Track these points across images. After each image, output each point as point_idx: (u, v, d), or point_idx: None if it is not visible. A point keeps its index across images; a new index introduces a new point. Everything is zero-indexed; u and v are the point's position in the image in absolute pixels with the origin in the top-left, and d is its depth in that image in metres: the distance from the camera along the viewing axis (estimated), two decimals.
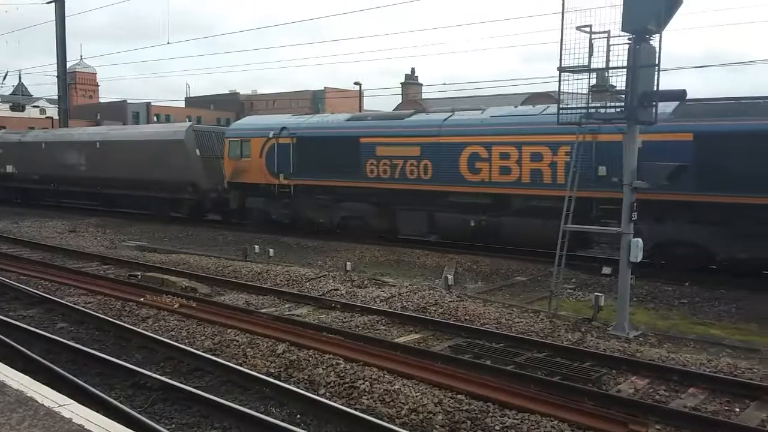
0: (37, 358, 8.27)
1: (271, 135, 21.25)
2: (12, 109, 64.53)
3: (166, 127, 28.51)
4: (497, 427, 6.60)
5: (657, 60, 10.41)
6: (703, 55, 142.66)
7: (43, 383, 5.81)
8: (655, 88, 10.39)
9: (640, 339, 10.20)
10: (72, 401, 5.19)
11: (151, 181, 25.65)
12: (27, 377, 5.80)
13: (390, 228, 19.30)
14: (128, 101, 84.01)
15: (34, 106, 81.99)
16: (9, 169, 33.86)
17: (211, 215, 26.23)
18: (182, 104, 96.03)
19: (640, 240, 10.58)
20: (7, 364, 6.37)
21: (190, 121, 38.42)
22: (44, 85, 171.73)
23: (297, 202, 20.90)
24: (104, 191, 28.86)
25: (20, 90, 77.01)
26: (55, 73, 41.51)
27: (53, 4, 40.08)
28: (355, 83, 49.03)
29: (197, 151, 24.34)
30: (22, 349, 8.61)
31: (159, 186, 25.63)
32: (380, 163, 18.52)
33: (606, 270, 14.75)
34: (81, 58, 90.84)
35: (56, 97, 45.04)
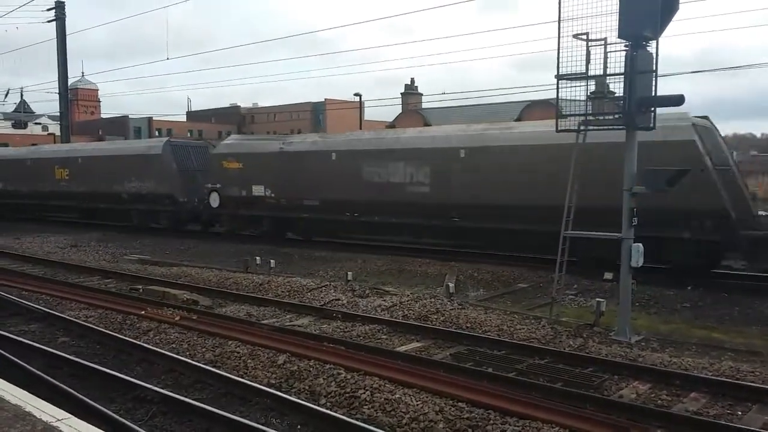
0: (38, 372, 8.26)
1: None
2: (14, 126, 64.80)
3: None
4: None
5: (654, 66, 10.45)
6: (695, 58, 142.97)
7: (43, 398, 5.80)
8: (653, 94, 10.44)
9: (642, 344, 10.16)
10: (70, 416, 5.19)
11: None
12: (25, 392, 5.80)
13: None
14: (130, 116, 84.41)
15: (37, 123, 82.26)
16: (258, 191, 23.26)
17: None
18: (183, 118, 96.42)
19: (640, 245, 10.57)
20: (7, 380, 6.37)
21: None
22: (46, 102, 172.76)
23: None
24: (480, 224, 17.92)
25: (22, 107, 77.34)
26: (57, 90, 41.76)
27: (54, 23, 40.38)
28: (355, 94, 49.09)
29: (709, 161, 14.57)
30: (23, 364, 8.61)
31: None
32: None
33: (607, 275, 14.73)
34: (82, 75, 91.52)
35: (58, 114, 45.26)
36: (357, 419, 6.96)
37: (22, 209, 35.05)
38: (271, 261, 17.02)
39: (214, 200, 24.69)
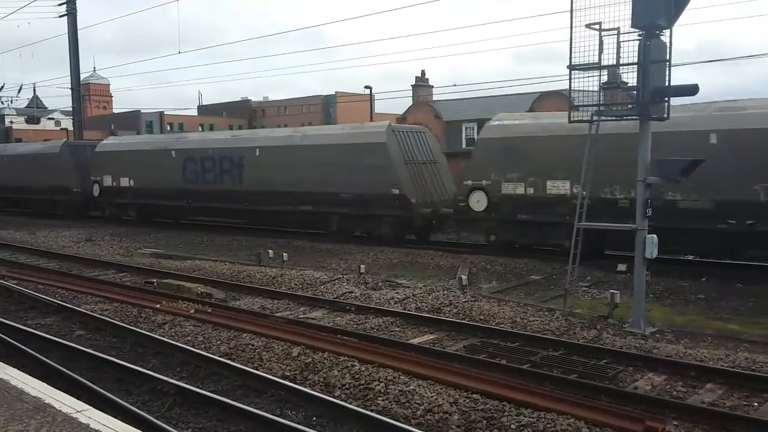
0: (56, 365, 8.34)
1: None
2: (27, 121, 65.33)
3: None
4: (513, 426, 6.58)
5: (668, 55, 10.36)
6: (697, 49, 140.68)
7: (61, 390, 5.87)
8: (666, 84, 10.36)
9: (657, 335, 10.12)
10: (89, 407, 5.25)
11: None
12: (45, 384, 5.87)
13: None
14: (141, 111, 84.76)
15: (49, 119, 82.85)
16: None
17: None
18: (194, 112, 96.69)
19: (654, 236, 10.51)
20: (26, 372, 6.45)
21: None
22: (59, 97, 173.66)
23: None
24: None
25: (35, 103, 77.79)
26: (69, 85, 41.92)
27: (65, 18, 40.52)
28: (366, 87, 48.94)
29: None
30: (41, 357, 8.70)
31: None
32: None
33: (621, 267, 14.68)
34: (94, 70, 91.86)
35: (71, 109, 45.46)
36: (372, 411, 6.99)
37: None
38: (284, 254, 17.06)
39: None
